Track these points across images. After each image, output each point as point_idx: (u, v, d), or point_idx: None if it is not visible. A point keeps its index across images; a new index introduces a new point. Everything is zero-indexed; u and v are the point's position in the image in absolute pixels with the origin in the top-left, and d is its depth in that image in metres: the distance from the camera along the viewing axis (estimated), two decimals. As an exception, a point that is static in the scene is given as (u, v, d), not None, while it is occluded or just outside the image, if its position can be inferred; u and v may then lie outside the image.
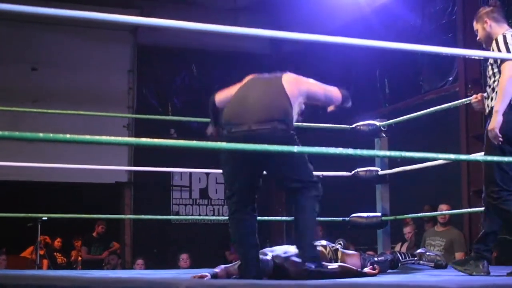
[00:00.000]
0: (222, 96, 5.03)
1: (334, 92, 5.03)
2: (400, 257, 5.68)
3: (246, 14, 14.59)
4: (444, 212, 9.11)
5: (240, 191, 4.76)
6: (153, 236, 13.40)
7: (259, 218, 4.98)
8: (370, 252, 9.79)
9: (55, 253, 12.80)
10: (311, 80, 4.99)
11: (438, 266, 5.70)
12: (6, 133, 3.24)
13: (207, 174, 14.79)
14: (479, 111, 5.86)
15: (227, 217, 5.15)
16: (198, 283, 2.53)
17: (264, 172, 4.86)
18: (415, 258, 5.75)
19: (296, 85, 4.84)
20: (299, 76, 4.96)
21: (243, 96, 4.78)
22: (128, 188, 14.33)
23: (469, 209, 9.46)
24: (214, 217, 14.87)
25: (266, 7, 14.91)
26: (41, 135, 3.16)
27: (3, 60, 13.77)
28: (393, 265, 5.63)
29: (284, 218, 12.84)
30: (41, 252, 11.57)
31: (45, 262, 11.87)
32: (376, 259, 5.47)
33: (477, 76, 10.37)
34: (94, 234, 12.64)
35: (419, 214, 8.59)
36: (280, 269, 4.81)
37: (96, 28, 13.76)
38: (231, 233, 4.80)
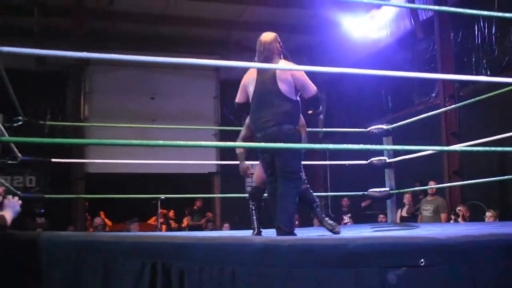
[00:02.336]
0: (241, 97, 4.77)
1: (311, 86, 4.52)
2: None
3: (292, 55, 14.53)
4: (432, 186, 9.06)
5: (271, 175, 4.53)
6: (234, 208, 13.47)
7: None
8: (382, 216, 9.83)
9: (170, 221, 12.95)
10: (298, 74, 4.49)
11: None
12: (137, 141, 3.31)
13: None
14: None
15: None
16: (271, 238, 2.55)
17: None
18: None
19: (287, 77, 4.42)
20: (288, 65, 4.57)
21: (256, 109, 4.50)
22: (217, 176, 14.45)
23: (449, 184, 9.38)
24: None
25: (305, 50, 14.86)
26: (161, 142, 3.22)
27: (132, 92, 14.00)
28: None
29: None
30: (161, 220, 11.71)
31: (163, 227, 12.01)
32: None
33: (452, 92, 10.36)
34: (195, 207, 12.76)
35: (415, 188, 8.54)
36: None
37: (192, 69, 13.91)
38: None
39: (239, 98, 4.78)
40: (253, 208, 5.19)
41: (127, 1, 12.56)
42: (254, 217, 5.19)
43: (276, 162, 4.41)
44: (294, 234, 4.30)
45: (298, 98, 4.51)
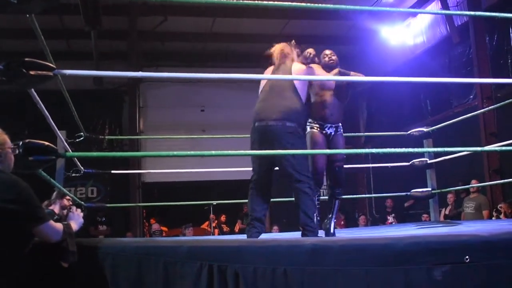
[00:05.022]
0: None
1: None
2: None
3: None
4: (473, 185, 8.92)
5: (257, 170, 4.28)
6: (282, 211, 13.40)
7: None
8: (425, 215, 9.68)
9: (222, 225, 13.02)
10: (311, 71, 4.43)
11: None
12: (190, 152, 3.35)
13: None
14: None
15: (326, 198, 4.93)
16: (320, 239, 2.55)
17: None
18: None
19: (300, 81, 4.28)
20: (303, 67, 4.38)
21: (265, 98, 4.30)
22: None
23: (490, 182, 9.19)
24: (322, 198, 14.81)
25: (345, 59, 14.71)
26: (213, 152, 3.26)
27: (184, 105, 14.16)
28: None
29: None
30: (214, 224, 11.80)
31: (216, 231, 12.10)
32: None
33: (489, 94, 10.19)
34: (245, 211, 12.80)
35: (456, 188, 8.38)
36: None
37: (238, 83, 13.99)
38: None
39: None
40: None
41: (176, 22, 12.76)
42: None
43: (283, 165, 4.13)
44: (317, 233, 4.15)
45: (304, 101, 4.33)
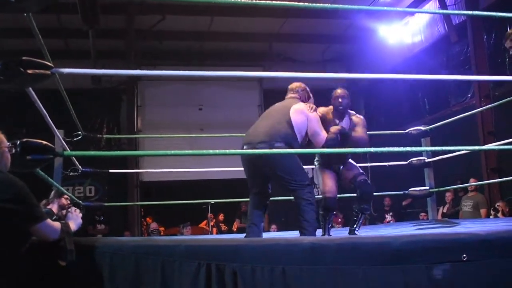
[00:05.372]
0: None
1: (319, 137, 4.43)
2: None
3: (331, 63, 14.54)
4: (471, 183, 8.92)
5: (252, 186, 4.46)
6: (280, 210, 13.37)
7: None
8: (423, 214, 9.68)
9: (220, 224, 12.98)
10: (313, 117, 4.44)
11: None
12: (188, 151, 3.34)
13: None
14: None
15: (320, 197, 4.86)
16: (318, 238, 2.55)
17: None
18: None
19: (300, 115, 4.36)
20: (304, 110, 4.41)
21: (258, 122, 4.44)
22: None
23: (488, 181, 9.20)
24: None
25: (343, 58, 14.83)
26: (211, 151, 3.26)
27: (182, 104, 14.12)
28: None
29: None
30: (212, 223, 11.77)
31: (214, 230, 12.06)
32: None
33: (487, 92, 10.19)
34: (243, 210, 12.76)
35: (455, 186, 8.40)
36: None
37: (237, 80, 13.98)
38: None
39: None
40: (327, 218, 4.79)
41: (174, 21, 12.74)
42: (329, 225, 4.80)
43: (278, 179, 4.27)
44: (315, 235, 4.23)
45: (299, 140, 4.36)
